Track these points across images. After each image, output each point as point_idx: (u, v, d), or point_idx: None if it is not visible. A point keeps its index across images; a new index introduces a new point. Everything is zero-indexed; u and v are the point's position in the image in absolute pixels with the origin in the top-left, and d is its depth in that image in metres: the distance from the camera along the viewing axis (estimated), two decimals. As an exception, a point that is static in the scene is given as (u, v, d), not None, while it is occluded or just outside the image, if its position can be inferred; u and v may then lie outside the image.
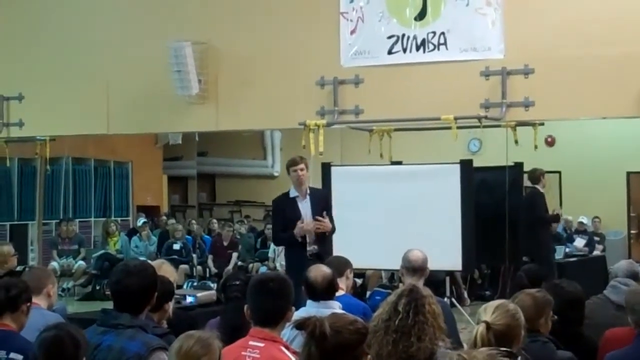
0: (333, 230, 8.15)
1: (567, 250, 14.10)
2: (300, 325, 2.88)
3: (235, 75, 9.50)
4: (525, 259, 11.66)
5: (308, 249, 7.95)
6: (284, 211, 8.15)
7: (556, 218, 12.46)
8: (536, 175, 11.64)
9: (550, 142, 15.58)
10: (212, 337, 3.30)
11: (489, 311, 3.54)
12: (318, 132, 8.88)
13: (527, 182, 12.16)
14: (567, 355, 4.28)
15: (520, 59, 8.33)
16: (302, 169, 8.01)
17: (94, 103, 10.09)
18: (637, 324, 4.28)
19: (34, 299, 5.13)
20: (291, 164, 8.11)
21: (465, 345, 5.12)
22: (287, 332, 4.21)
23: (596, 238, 15.33)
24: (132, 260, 4.45)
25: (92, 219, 17.24)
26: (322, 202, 8.14)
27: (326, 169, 10.87)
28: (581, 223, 15.48)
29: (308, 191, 8.08)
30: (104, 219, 17.08)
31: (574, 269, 12.39)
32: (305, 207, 8.02)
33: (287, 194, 8.18)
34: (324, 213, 7.95)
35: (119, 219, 17.48)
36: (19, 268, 8.41)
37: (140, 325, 3.93)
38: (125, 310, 3.95)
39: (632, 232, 16.10)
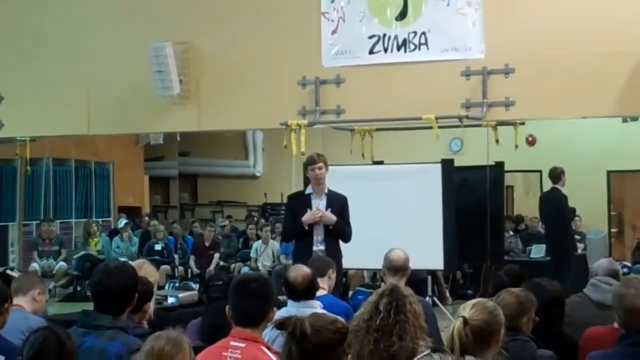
0: (347, 236, 8.00)
1: (548, 248, 14.11)
2: (280, 325, 2.88)
3: (217, 75, 9.48)
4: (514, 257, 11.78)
5: (314, 248, 7.90)
6: (295, 207, 8.07)
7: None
8: (557, 174, 11.70)
9: (530, 142, 15.64)
10: (180, 335, 3.30)
11: (467, 307, 3.55)
12: (299, 132, 8.87)
13: (506, 179, 12.20)
14: (548, 354, 4.29)
15: (500, 59, 8.36)
16: (319, 167, 7.89)
17: (75, 103, 10.04)
18: (623, 324, 4.23)
19: (20, 301, 5.14)
20: (309, 163, 7.99)
21: (445, 344, 5.14)
22: (268, 332, 4.20)
23: (577, 237, 15.39)
24: (112, 261, 4.44)
25: (73, 220, 17.17)
26: (338, 206, 7.96)
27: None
28: (562, 222, 15.51)
29: (326, 191, 7.98)
30: (85, 219, 17.01)
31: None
32: (320, 205, 7.90)
33: (303, 191, 8.12)
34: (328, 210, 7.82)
35: (100, 219, 17.41)
36: (-1, 269, 8.37)
37: (120, 326, 3.93)
38: (106, 311, 3.94)
39: (613, 230, 16.18)
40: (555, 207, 11.57)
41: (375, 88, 8.87)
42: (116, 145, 17.25)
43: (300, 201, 8.09)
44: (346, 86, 8.96)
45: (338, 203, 8.00)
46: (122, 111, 9.92)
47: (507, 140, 10.06)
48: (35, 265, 14.47)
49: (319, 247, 7.85)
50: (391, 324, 4.06)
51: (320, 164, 7.89)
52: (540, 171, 15.73)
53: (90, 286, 4.14)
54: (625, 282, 4.48)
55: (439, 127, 8.50)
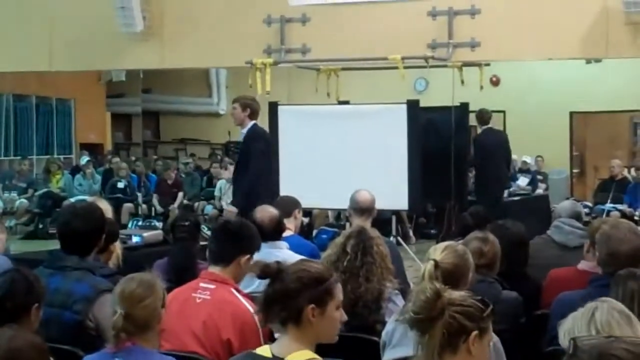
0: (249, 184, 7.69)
1: (511, 189, 14.26)
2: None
3: (181, 12, 9.36)
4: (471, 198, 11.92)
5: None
6: None
7: None
8: (488, 117, 11.92)
9: (495, 82, 15.66)
10: (154, 278, 3.29)
11: (438, 250, 3.61)
12: (265, 70, 8.81)
13: (473, 122, 12.28)
14: (513, 295, 4.34)
15: (467, 0, 8.33)
16: (234, 108, 7.82)
17: (37, 39, 9.87)
18: (602, 264, 4.16)
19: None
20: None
21: (411, 284, 5.19)
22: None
23: (539, 177, 15.53)
24: (79, 201, 4.41)
25: (34, 157, 16.99)
26: (247, 140, 7.82)
27: (273, 108, 10.80)
28: (524, 162, 15.64)
29: (245, 132, 7.83)
30: (46, 156, 16.83)
31: (518, 208, 12.57)
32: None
33: None
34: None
35: (61, 156, 17.24)
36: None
37: (87, 267, 3.91)
38: (73, 252, 3.92)
39: (574, 171, 16.37)
40: (505, 148, 11.83)
41: (341, 27, 8.81)
42: (78, 81, 16.97)
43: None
44: (312, 25, 8.89)
45: (247, 138, 7.85)
46: (84, 47, 9.77)
47: (472, 81, 10.08)
48: (-4, 202, 14.38)
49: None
50: (358, 265, 4.10)
51: (235, 105, 7.78)
52: (504, 111, 15.80)
53: (57, 227, 4.10)
54: (613, 224, 4.34)
55: (405, 67, 8.49)
